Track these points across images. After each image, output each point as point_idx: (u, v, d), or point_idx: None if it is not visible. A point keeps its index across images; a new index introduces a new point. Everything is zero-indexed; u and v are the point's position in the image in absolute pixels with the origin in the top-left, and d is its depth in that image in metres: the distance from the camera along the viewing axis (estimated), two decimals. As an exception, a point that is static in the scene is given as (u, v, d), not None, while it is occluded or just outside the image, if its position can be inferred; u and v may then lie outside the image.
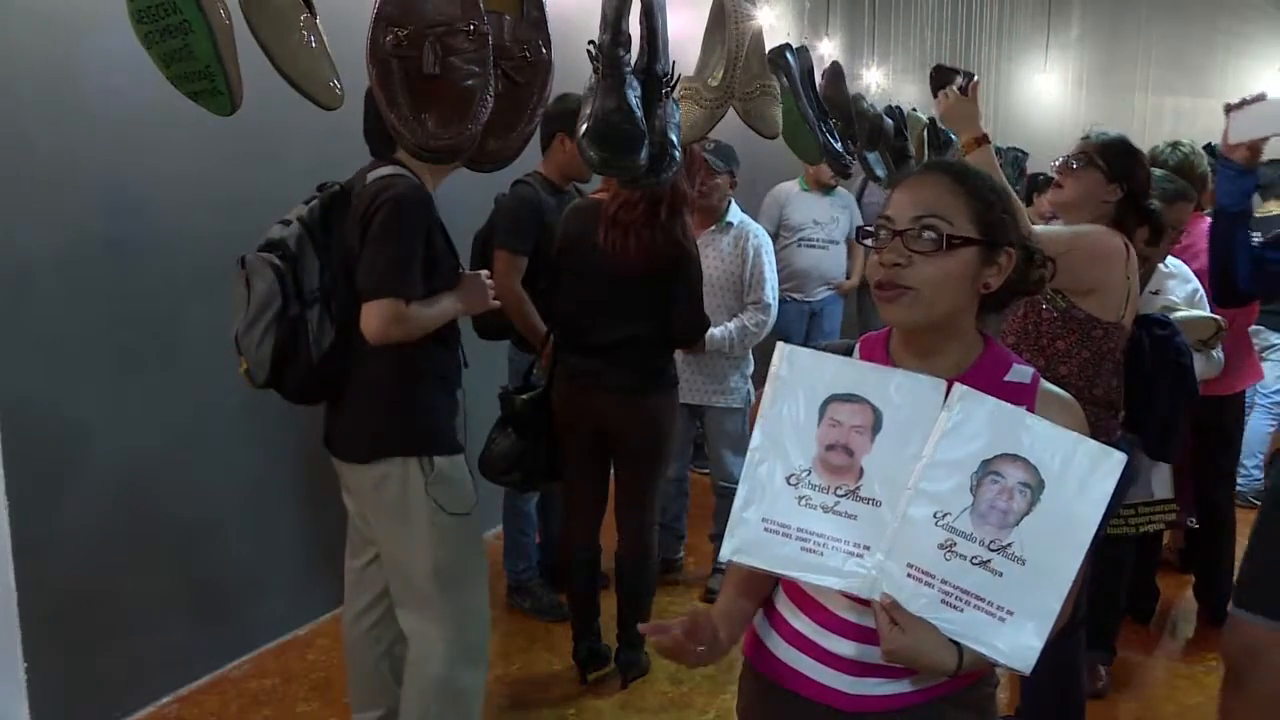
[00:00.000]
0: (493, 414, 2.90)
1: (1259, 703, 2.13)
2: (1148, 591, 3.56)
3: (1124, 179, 2.36)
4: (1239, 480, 3.73)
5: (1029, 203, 5.58)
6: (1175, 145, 3.44)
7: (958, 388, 1.24)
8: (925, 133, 3.65)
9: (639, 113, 1.86)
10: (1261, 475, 4.48)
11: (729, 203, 3.63)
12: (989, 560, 1.20)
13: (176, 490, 2.87)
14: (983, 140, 2.39)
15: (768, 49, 2.50)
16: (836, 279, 5.30)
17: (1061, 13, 8.83)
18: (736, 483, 1.33)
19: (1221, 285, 2.33)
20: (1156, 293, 3.01)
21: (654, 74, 1.96)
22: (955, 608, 1.21)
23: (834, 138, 2.80)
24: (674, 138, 2.02)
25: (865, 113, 3.27)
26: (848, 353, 1.39)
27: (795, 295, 5.08)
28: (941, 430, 1.22)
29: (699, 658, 1.33)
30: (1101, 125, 2.55)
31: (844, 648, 1.31)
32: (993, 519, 1.20)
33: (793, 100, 2.63)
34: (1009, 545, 1.20)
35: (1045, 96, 9.02)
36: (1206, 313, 3.01)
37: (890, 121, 3.39)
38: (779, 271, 3.92)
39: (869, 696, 1.31)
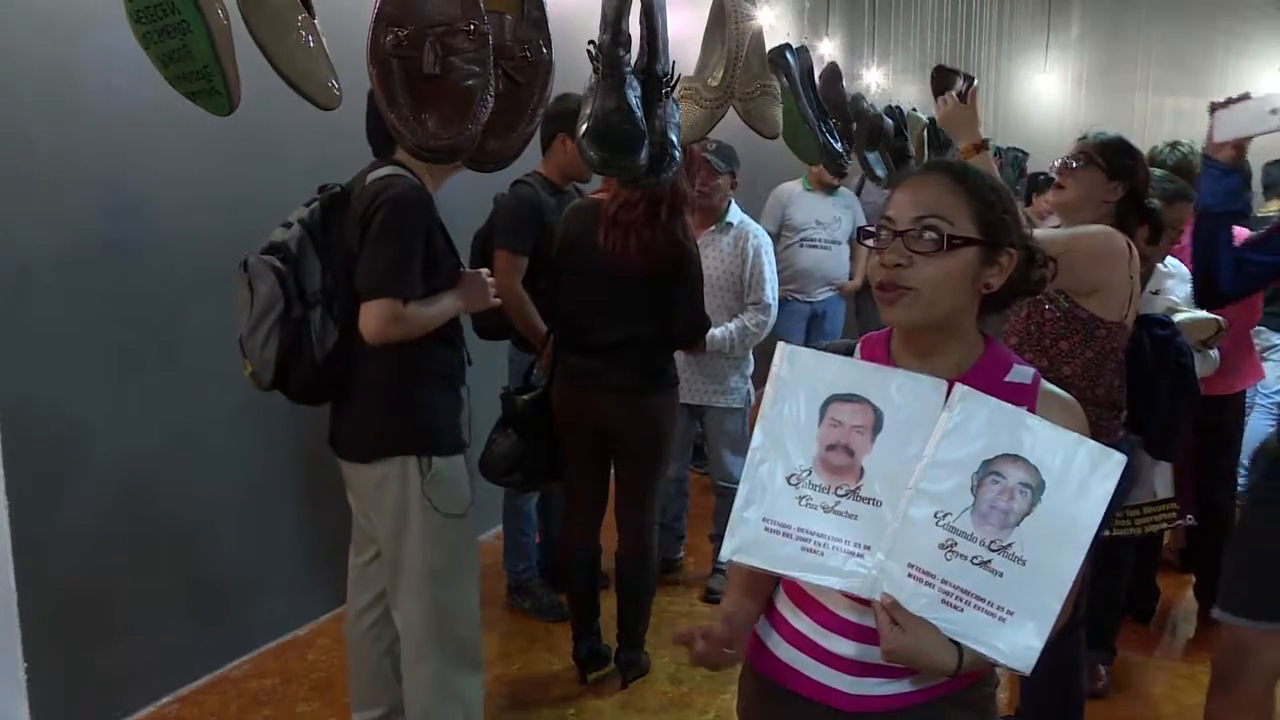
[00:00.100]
0: (493, 414, 2.90)
1: (1245, 704, 2.13)
2: (1148, 591, 3.57)
3: (1124, 178, 2.36)
4: (1239, 480, 3.73)
5: (1028, 203, 5.58)
6: (1174, 145, 3.44)
7: (959, 388, 1.24)
8: (925, 133, 3.66)
9: (639, 113, 1.86)
10: (1261, 476, 4.47)
11: (729, 203, 3.63)
12: (989, 560, 1.20)
13: (176, 490, 2.87)
14: (981, 147, 2.40)
15: (768, 49, 2.50)
16: (839, 279, 5.29)
17: (1061, 13, 8.83)
18: (736, 483, 1.33)
19: (1204, 286, 2.32)
20: (1156, 293, 3.02)
21: (654, 74, 1.96)
22: (955, 608, 1.21)
23: (834, 138, 2.80)
24: (674, 138, 2.02)
25: (865, 113, 3.27)
26: (848, 353, 1.39)
27: (797, 295, 5.08)
28: (942, 430, 1.22)
29: (731, 661, 1.35)
30: (1100, 125, 2.55)
31: (844, 647, 1.31)
32: (993, 519, 1.20)
33: (793, 100, 2.63)
34: (1009, 545, 1.20)
35: (1045, 96, 9.03)
36: (1207, 313, 3.01)
37: (890, 121, 3.40)
38: (781, 272, 3.92)
39: (869, 696, 1.31)
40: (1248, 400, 3.56)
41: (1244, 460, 4.00)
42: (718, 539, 3.73)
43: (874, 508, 1.25)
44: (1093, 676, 2.95)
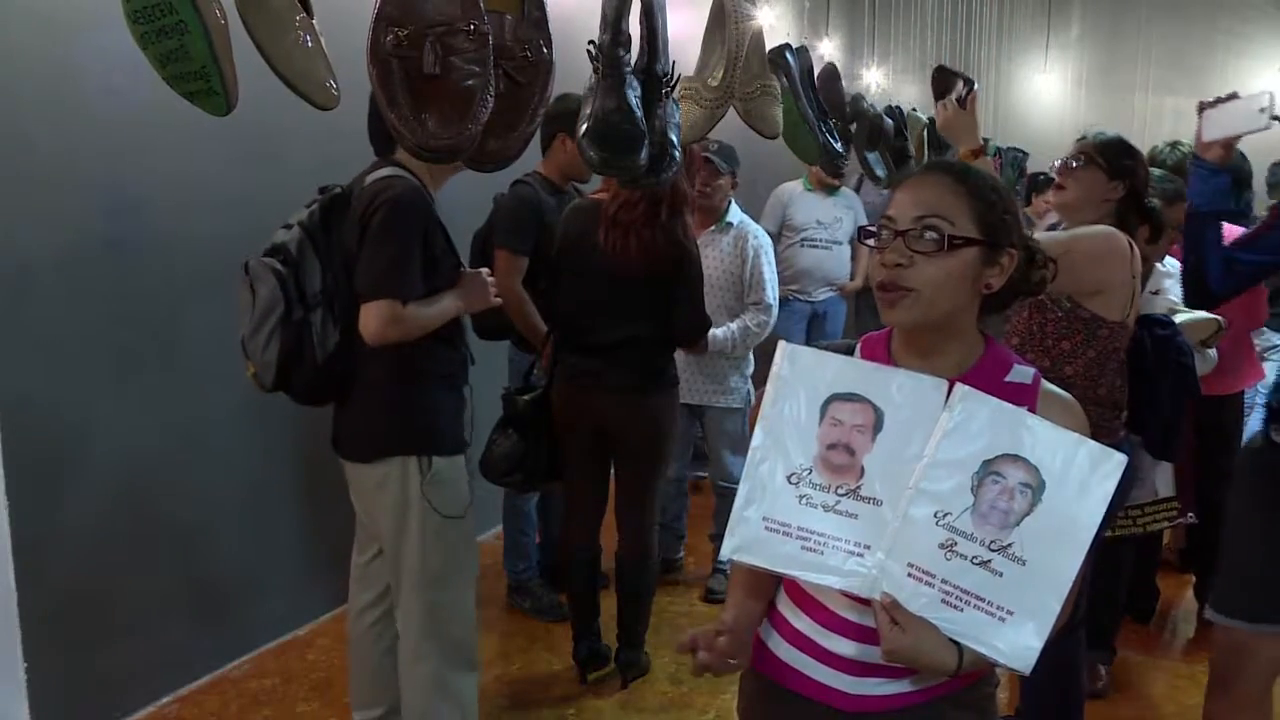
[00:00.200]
0: (493, 414, 2.90)
1: (1245, 704, 2.13)
2: (1148, 591, 3.57)
3: (1125, 177, 2.36)
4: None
5: (1028, 203, 5.58)
6: (1175, 145, 3.44)
7: (959, 388, 1.24)
8: (925, 133, 3.65)
9: (639, 113, 1.86)
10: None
11: (729, 203, 3.63)
12: (989, 560, 1.20)
13: (176, 490, 2.87)
14: (979, 153, 2.41)
15: (768, 49, 2.50)
16: (840, 280, 5.29)
17: (1061, 13, 8.84)
18: (736, 483, 1.33)
19: (1193, 285, 2.31)
20: (1156, 293, 3.02)
21: (654, 74, 1.96)
22: (955, 607, 1.21)
23: (834, 138, 2.80)
24: (674, 138, 2.01)
25: (865, 113, 3.27)
26: (849, 352, 1.39)
27: (798, 295, 5.08)
28: (943, 430, 1.22)
29: (735, 669, 1.36)
30: (1100, 125, 2.55)
31: (844, 647, 1.31)
32: (993, 519, 1.20)
33: (792, 100, 2.63)
34: (1009, 545, 1.20)
35: (1045, 96, 9.03)
36: (1207, 313, 3.01)
37: (890, 121, 3.39)
38: (782, 272, 3.92)
39: (869, 696, 1.31)
40: (1247, 400, 3.56)
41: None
42: (718, 539, 3.73)
43: (874, 507, 1.25)
44: (1093, 676, 2.95)
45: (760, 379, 1.91)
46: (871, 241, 1.32)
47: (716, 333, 3.46)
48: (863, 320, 5.65)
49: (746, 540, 1.28)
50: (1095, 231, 2.32)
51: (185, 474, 2.89)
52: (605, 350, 2.86)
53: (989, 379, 1.30)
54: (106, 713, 2.71)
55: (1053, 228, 2.98)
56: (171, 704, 2.87)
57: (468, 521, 2.35)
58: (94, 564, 2.65)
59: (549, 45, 1.83)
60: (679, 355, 3.16)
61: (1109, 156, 2.37)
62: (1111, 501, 1.18)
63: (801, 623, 1.36)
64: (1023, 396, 1.30)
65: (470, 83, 1.62)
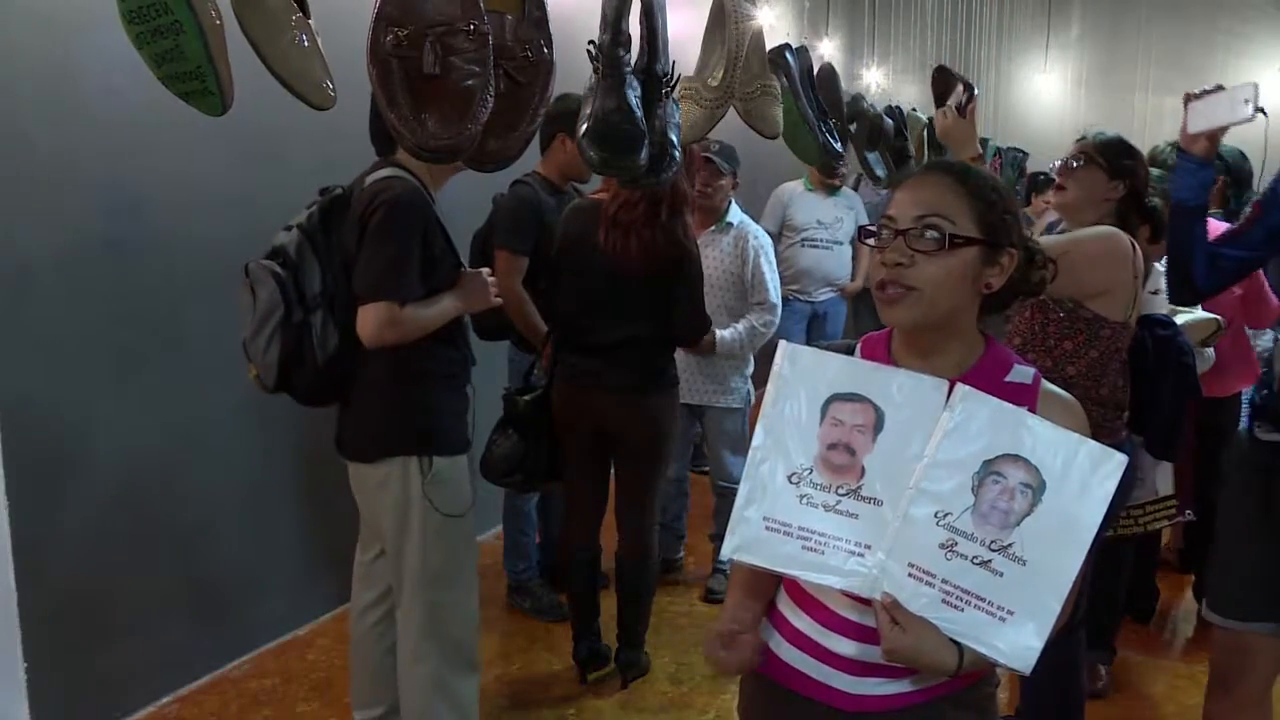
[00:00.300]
0: (493, 414, 2.90)
1: (1245, 704, 2.13)
2: (1148, 591, 3.57)
3: (1125, 177, 2.37)
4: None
5: (1028, 203, 5.58)
6: (1175, 145, 3.43)
7: (960, 388, 1.24)
8: (925, 133, 3.65)
9: (639, 113, 1.86)
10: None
11: (730, 203, 3.63)
12: (990, 560, 1.20)
13: (176, 490, 2.87)
14: (978, 160, 2.41)
15: (768, 49, 2.49)
16: (840, 280, 5.29)
17: (1061, 13, 8.84)
18: (736, 483, 1.33)
19: (1178, 282, 2.29)
20: (1156, 293, 3.01)
21: (654, 74, 1.96)
22: (956, 607, 1.21)
23: (834, 138, 2.80)
24: (674, 138, 2.01)
25: (865, 113, 3.27)
26: (849, 352, 1.39)
27: (799, 295, 5.08)
28: (943, 430, 1.22)
29: (753, 666, 1.36)
30: (1100, 125, 2.55)
31: (845, 647, 1.31)
32: (994, 519, 1.20)
33: (792, 100, 2.63)
34: (1010, 545, 1.20)
35: (1045, 96, 9.03)
36: (1207, 314, 3.02)
37: (890, 121, 3.39)
38: (782, 272, 3.92)
39: (870, 696, 1.31)
40: (1245, 401, 3.56)
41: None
42: (718, 539, 3.73)
43: (875, 507, 1.25)
44: (1093, 676, 2.95)
45: (760, 379, 1.91)
46: (871, 241, 1.32)
47: (724, 334, 3.46)
48: (861, 321, 5.65)
49: (747, 540, 1.29)
50: (1097, 233, 2.32)
51: (185, 474, 2.89)
52: (605, 350, 2.86)
53: (989, 379, 1.30)
54: (106, 713, 2.71)
55: (1051, 226, 2.99)
56: (171, 704, 2.87)
57: (469, 521, 2.35)
58: (94, 564, 2.65)
59: (549, 45, 1.83)
60: (680, 355, 3.16)
61: (1109, 156, 2.38)
62: (1112, 502, 1.18)
63: (802, 622, 1.36)
64: (1023, 396, 1.30)
65: (470, 83, 1.62)
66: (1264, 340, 3.82)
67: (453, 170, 2.21)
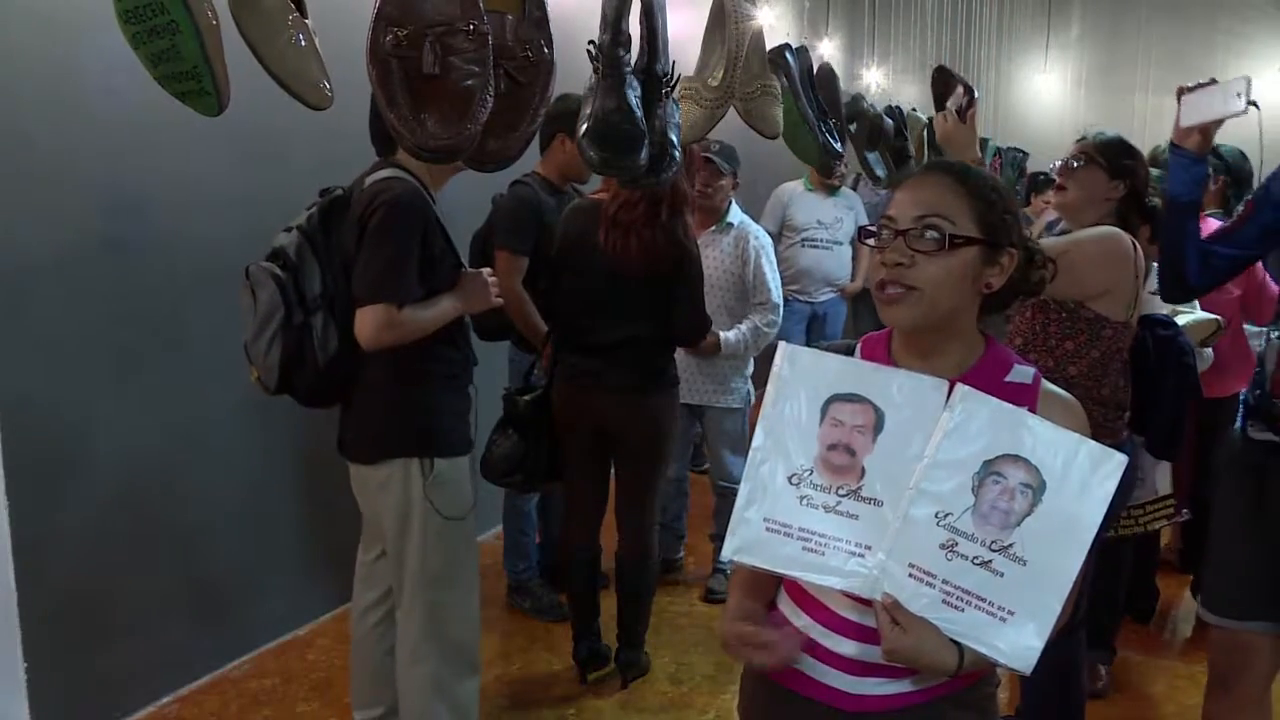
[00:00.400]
0: (493, 415, 2.90)
1: (1244, 703, 2.13)
2: (1148, 591, 3.57)
3: (1125, 177, 2.37)
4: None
5: (1027, 203, 5.57)
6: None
7: (960, 388, 1.24)
8: (925, 133, 3.65)
9: (639, 113, 1.86)
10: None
11: (730, 203, 3.63)
12: (990, 560, 1.20)
13: (176, 490, 2.87)
14: (976, 163, 2.40)
15: (768, 49, 2.49)
16: (841, 280, 5.28)
17: (1061, 13, 8.84)
18: (736, 483, 1.33)
19: (1170, 279, 2.28)
20: (1155, 292, 3.02)
21: (654, 74, 1.96)
22: (956, 608, 1.21)
23: (834, 137, 2.79)
24: (674, 138, 2.01)
25: (865, 113, 3.27)
26: (849, 353, 1.39)
27: (799, 296, 5.08)
28: (943, 430, 1.22)
29: (795, 658, 1.35)
30: (1100, 125, 2.55)
31: (845, 647, 1.31)
32: (994, 519, 1.20)
33: (792, 100, 2.63)
34: (1010, 546, 1.20)
35: (1045, 96, 9.03)
36: (1206, 314, 3.02)
37: (890, 121, 3.39)
38: (782, 272, 3.91)
39: (870, 696, 1.31)
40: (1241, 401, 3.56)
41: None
42: (718, 539, 3.73)
43: (875, 508, 1.25)
44: (1093, 676, 2.95)
45: (760, 379, 1.91)
46: (871, 241, 1.32)
47: (728, 336, 3.46)
48: (861, 322, 5.65)
49: (748, 541, 1.29)
50: (1097, 233, 2.32)
51: (185, 474, 2.89)
52: (605, 350, 2.86)
53: (989, 379, 1.30)
54: (106, 713, 2.71)
55: (1051, 225, 2.99)
56: (171, 704, 2.87)
57: (470, 523, 2.35)
58: (94, 564, 2.65)
59: (550, 45, 1.83)
60: (680, 355, 3.16)
61: (1109, 156, 2.38)
62: (1113, 502, 1.18)
63: (802, 622, 1.36)
64: (1023, 396, 1.30)
65: (470, 83, 1.62)
66: (1260, 341, 3.82)
67: (453, 170, 2.21)
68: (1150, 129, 7.15)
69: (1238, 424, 2.22)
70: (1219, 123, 2.15)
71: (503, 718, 2.93)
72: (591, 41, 1.87)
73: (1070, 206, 2.43)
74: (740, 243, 3.59)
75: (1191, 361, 2.53)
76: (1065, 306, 2.31)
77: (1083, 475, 1.19)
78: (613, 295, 2.83)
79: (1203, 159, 2.20)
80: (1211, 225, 2.36)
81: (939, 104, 2.62)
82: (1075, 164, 2.39)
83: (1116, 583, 3.04)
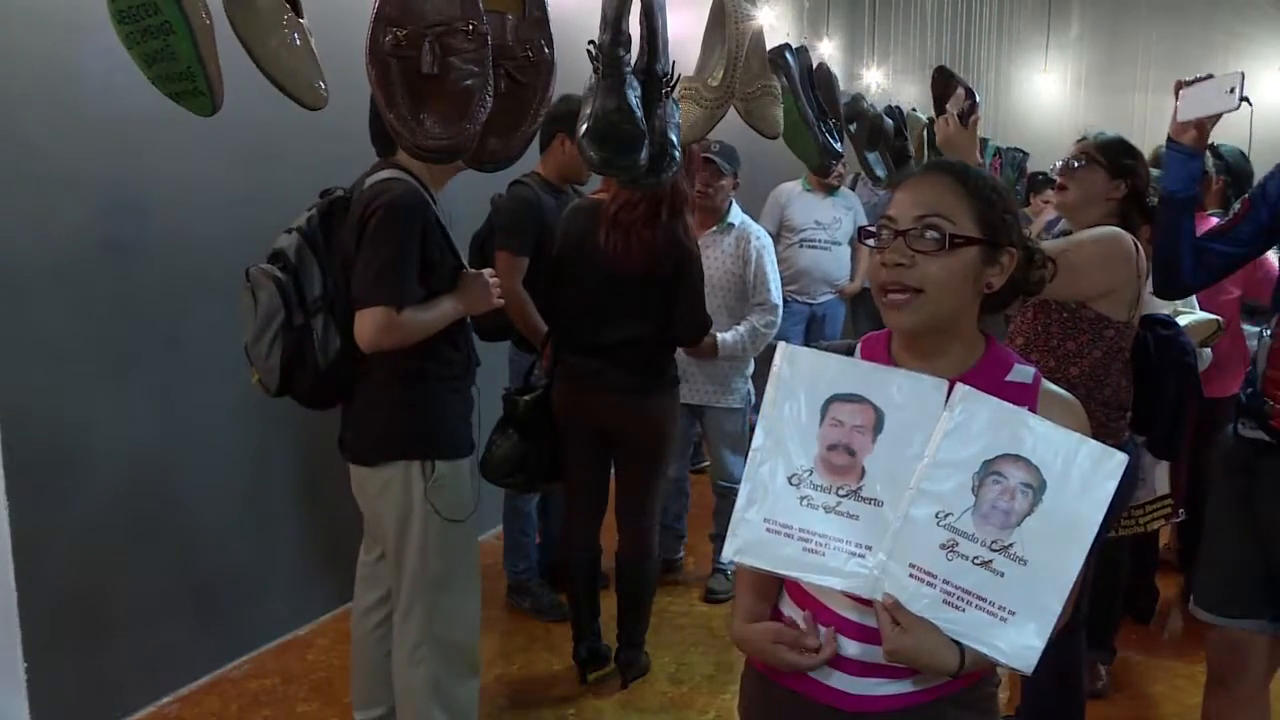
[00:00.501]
0: (493, 415, 2.90)
1: (1243, 701, 2.14)
2: (1148, 591, 3.56)
3: (1126, 176, 2.37)
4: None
5: (1027, 203, 5.57)
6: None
7: (960, 388, 1.24)
8: (925, 133, 3.65)
9: (639, 113, 1.86)
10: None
11: (730, 204, 3.63)
12: (991, 560, 1.20)
13: (176, 490, 2.87)
14: None
15: (768, 49, 2.49)
16: (839, 281, 5.28)
17: (1061, 13, 8.84)
18: (737, 483, 1.33)
19: (1165, 276, 2.27)
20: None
21: (654, 74, 1.96)
22: (957, 608, 1.21)
23: (834, 137, 2.79)
24: (674, 138, 2.01)
25: (865, 113, 3.26)
26: (849, 353, 1.39)
27: (797, 297, 5.07)
28: (943, 430, 1.22)
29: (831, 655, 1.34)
30: (1100, 125, 2.55)
31: (846, 647, 1.31)
32: (994, 519, 1.20)
33: (792, 100, 2.63)
34: (1011, 545, 1.20)
35: (1045, 96, 9.03)
36: (1207, 314, 3.02)
37: (890, 121, 3.39)
38: (781, 273, 3.91)
39: (871, 696, 1.31)
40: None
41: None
42: (718, 539, 3.73)
43: (875, 508, 1.24)
44: (1093, 676, 2.95)
45: (760, 379, 1.91)
46: (871, 241, 1.32)
47: (726, 337, 3.45)
48: (859, 322, 5.65)
49: (748, 542, 1.28)
50: (1098, 234, 2.32)
51: (185, 474, 2.89)
52: (606, 350, 2.85)
53: (989, 379, 1.30)
54: (106, 713, 2.71)
55: (1051, 224, 2.99)
56: (171, 704, 2.87)
57: (470, 525, 2.35)
58: (94, 564, 2.65)
59: (550, 45, 1.83)
60: (680, 356, 3.16)
61: (1110, 156, 2.38)
62: (1114, 502, 1.18)
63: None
64: (1023, 396, 1.30)
65: (469, 83, 1.62)
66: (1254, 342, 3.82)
67: (453, 170, 2.21)
68: (1150, 129, 7.15)
69: (1232, 423, 2.22)
70: (1215, 118, 2.15)
71: (503, 718, 2.93)
72: (591, 41, 1.87)
73: (1071, 207, 2.43)
74: (741, 243, 3.59)
75: (1193, 361, 2.53)
76: (1067, 307, 2.30)
77: (1083, 475, 1.19)
78: (613, 295, 2.83)
79: (1199, 154, 2.20)
80: (1212, 224, 2.36)
81: (939, 104, 2.62)
82: (1076, 164, 2.39)
83: (1115, 582, 3.04)
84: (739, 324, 3.54)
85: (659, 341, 2.92)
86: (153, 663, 2.83)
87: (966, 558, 1.21)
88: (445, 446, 2.27)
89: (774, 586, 1.42)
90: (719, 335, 3.44)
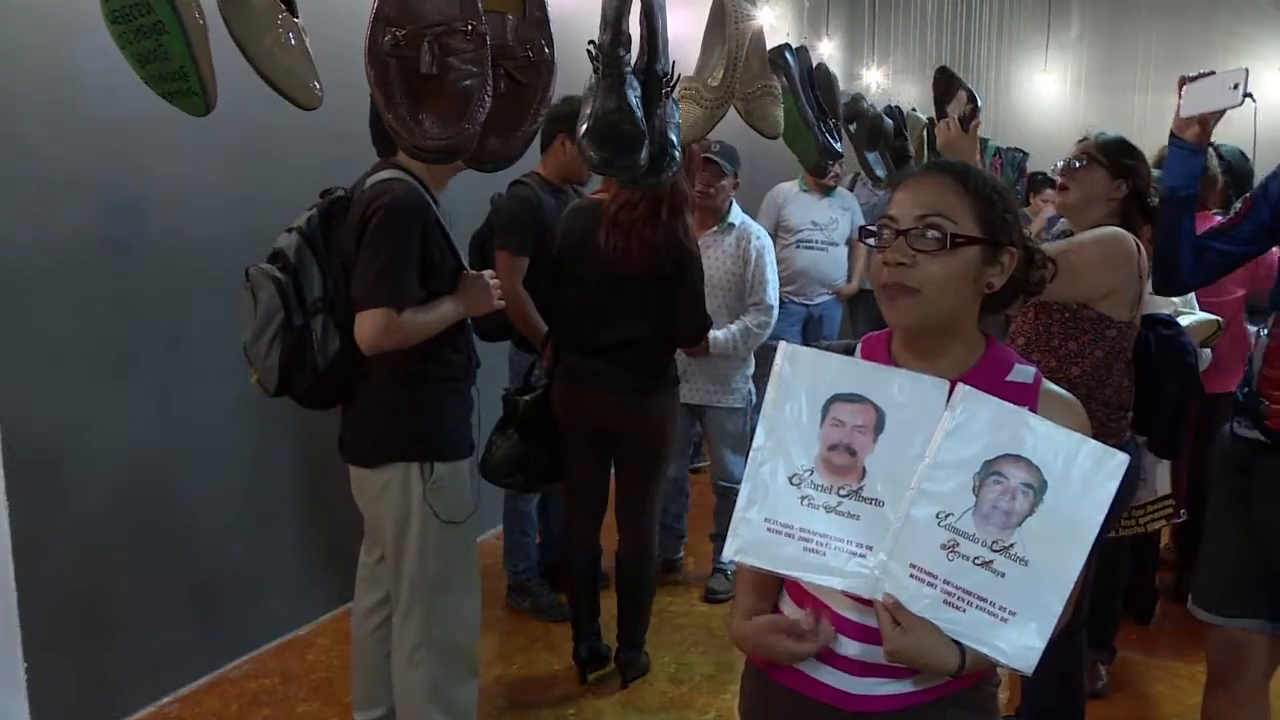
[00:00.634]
0: (493, 415, 2.90)
1: (1242, 700, 2.14)
2: (1148, 591, 3.56)
3: (1127, 176, 2.37)
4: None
5: (1027, 203, 5.57)
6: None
7: (960, 388, 1.24)
8: (925, 133, 3.65)
9: (639, 113, 1.86)
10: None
11: (731, 204, 3.63)
12: (991, 561, 1.20)
13: (176, 490, 2.87)
14: None
15: (768, 49, 2.49)
16: (836, 281, 5.27)
17: (1061, 13, 8.84)
18: (737, 482, 1.32)
19: (1164, 274, 2.27)
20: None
21: (654, 74, 1.96)
22: (957, 608, 1.21)
23: (833, 137, 2.79)
24: (674, 138, 2.01)
25: (865, 113, 3.26)
26: (849, 353, 1.39)
27: (794, 298, 5.06)
28: (944, 430, 1.22)
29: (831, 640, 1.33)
30: (1100, 125, 2.55)
31: (847, 647, 1.31)
32: (995, 519, 1.20)
33: (793, 100, 2.63)
34: (1011, 546, 1.20)
35: (1045, 96, 9.03)
36: (1207, 315, 3.02)
37: (890, 121, 3.39)
38: (778, 274, 3.91)
39: (872, 696, 1.31)
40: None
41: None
42: (718, 539, 3.73)
43: (876, 508, 1.24)
44: (1093, 676, 2.95)
45: (761, 379, 1.91)
46: (872, 240, 1.32)
47: (717, 335, 3.45)
48: (857, 323, 5.64)
49: (749, 542, 1.28)
50: (1100, 235, 2.31)
51: (185, 474, 2.89)
52: (606, 350, 2.85)
53: (990, 379, 1.30)
54: (106, 713, 2.71)
55: (1050, 223, 2.99)
56: (171, 704, 2.87)
57: (469, 527, 2.35)
58: (94, 563, 2.65)
59: (550, 45, 1.83)
60: (681, 356, 3.16)
61: (1111, 156, 2.38)
62: (1115, 502, 1.18)
63: (803, 623, 1.36)
64: (1024, 396, 1.30)
65: (468, 83, 1.62)
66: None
67: (454, 170, 2.21)
68: (1150, 129, 7.14)
69: (1230, 423, 2.22)
70: (1218, 115, 2.14)
71: (502, 718, 2.93)
72: (591, 41, 1.87)
73: (1072, 207, 2.43)
74: (742, 243, 3.59)
75: (1194, 361, 2.53)
76: (1068, 307, 2.30)
77: (1084, 475, 1.19)
78: (613, 295, 2.83)
79: (1201, 150, 2.19)
80: (1215, 223, 2.36)
81: (940, 105, 2.61)
82: (1077, 164, 2.39)
83: (1115, 582, 3.04)
84: (732, 323, 3.53)
85: (659, 341, 2.92)
86: (153, 663, 2.83)
87: (967, 558, 1.21)
88: (445, 448, 2.27)
89: (774, 586, 1.42)
90: (711, 333, 3.43)
